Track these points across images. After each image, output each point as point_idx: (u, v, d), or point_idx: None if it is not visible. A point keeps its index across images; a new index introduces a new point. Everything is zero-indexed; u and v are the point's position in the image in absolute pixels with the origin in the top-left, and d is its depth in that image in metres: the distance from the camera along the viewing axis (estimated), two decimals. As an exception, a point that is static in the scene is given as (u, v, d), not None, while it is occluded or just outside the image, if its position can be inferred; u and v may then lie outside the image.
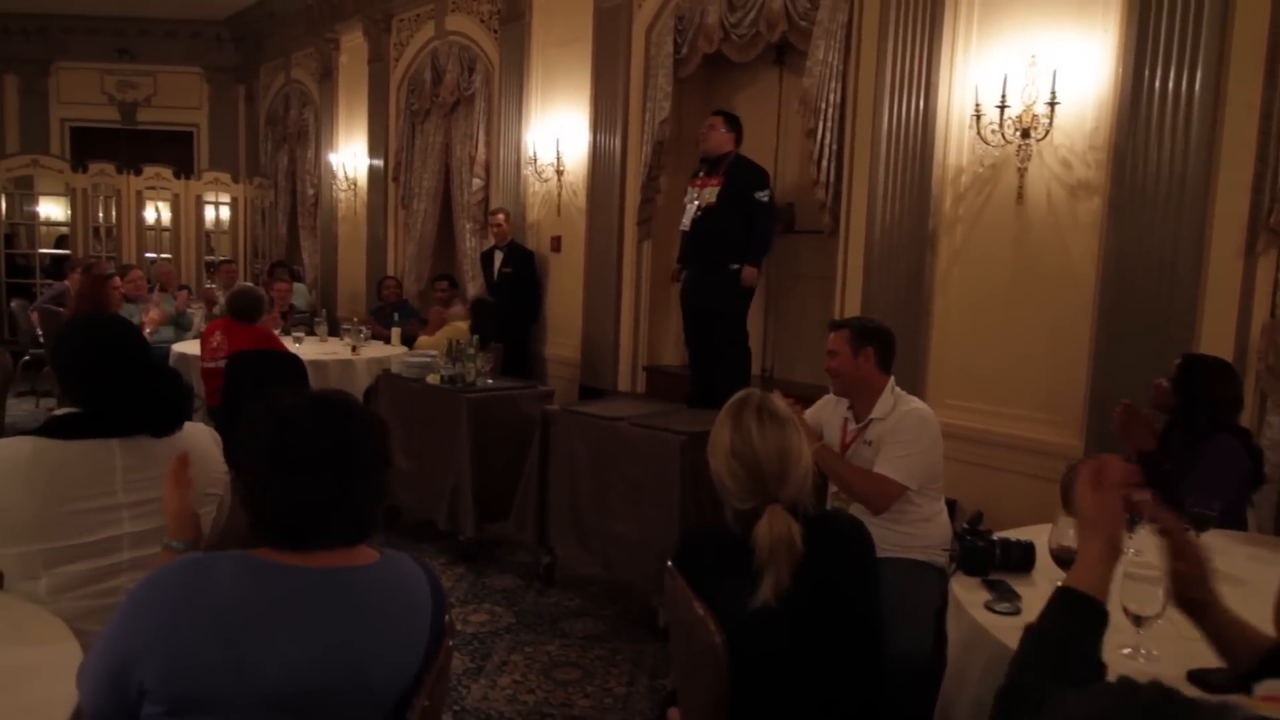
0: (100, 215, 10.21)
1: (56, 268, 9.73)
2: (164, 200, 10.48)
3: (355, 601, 1.33)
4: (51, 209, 10.71)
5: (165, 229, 10.59)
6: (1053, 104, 3.77)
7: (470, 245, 7.76)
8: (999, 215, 4.06)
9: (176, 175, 10.37)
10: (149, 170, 10.21)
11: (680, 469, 3.46)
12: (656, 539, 3.51)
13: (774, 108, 5.79)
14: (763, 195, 4.95)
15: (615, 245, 6.24)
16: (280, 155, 10.89)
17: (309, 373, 5.14)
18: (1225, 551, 2.27)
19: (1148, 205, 3.54)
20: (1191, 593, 1.46)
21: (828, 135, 4.77)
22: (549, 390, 4.96)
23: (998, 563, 2.07)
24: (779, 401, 1.88)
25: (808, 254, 5.60)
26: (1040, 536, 2.12)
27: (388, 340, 6.55)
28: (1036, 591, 1.98)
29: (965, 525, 2.14)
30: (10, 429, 4.78)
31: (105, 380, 1.86)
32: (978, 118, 4.00)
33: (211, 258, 10.46)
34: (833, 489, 2.92)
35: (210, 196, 10.64)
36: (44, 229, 10.64)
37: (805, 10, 4.88)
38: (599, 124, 6.34)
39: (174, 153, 11.25)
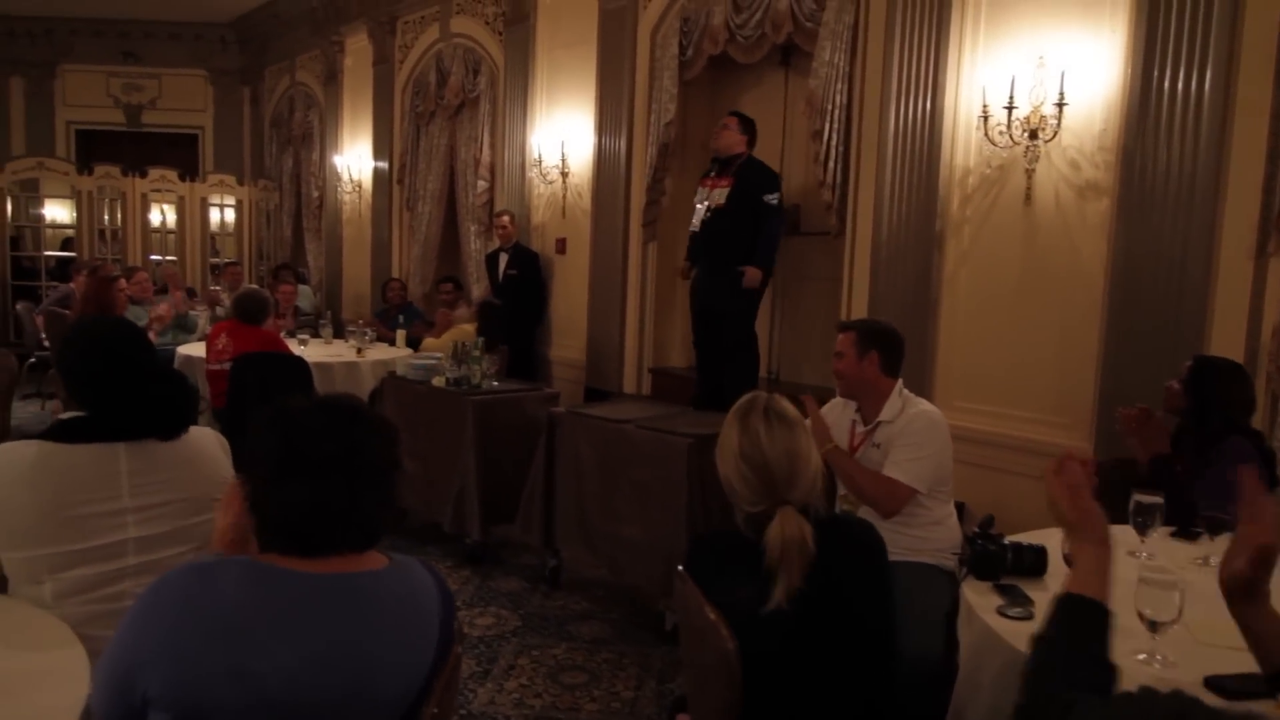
0: (105, 218, 10.24)
1: (62, 270, 9.75)
2: (169, 203, 10.50)
3: (363, 608, 1.32)
4: (57, 211, 10.74)
5: (170, 231, 10.61)
6: (1061, 105, 3.75)
7: (475, 247, 7.76)
8: (1007, 217, 4.04)
9: (181, 178, 10.39)
10: (154, 173, 10.23)
11: (687, 471, 3.44)
12: (663, 542, 3.50)
13: (779, 109, 5.78)
14: (772, 198, 4.93)
15: (620, 247, 6.23)
16: (285, 157, 10.90)
17: (314, 375, 5.13)
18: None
19: (1157, 206, 3.52)
20: (1254, 573, 1.35)
21: (834, 137, 4.75)
22: (554, 393, 4.94)
23: (1009, 567, 2.05)
24: (786, 403, 1.87)
25: (814, 256, 5.58)
26: (1052, 540, 2.09)
27: (393, 342, 6.55)
28: (1049, 596, 1.94)
29: (976, 529, 2.12)
30: (15, 431, 4.78)
31: (111, 384, 1.85)
32: (985, 119, 3.98)
33: (217, 260, 10.48)
34: (841, 492, 2.90)
35: (215, 199, 10.67)
36: (49, 231, 10.66)
37: (811, 11, 4.86)
38: (604, 126, 6.33)
39: (179, 155, 11.27)
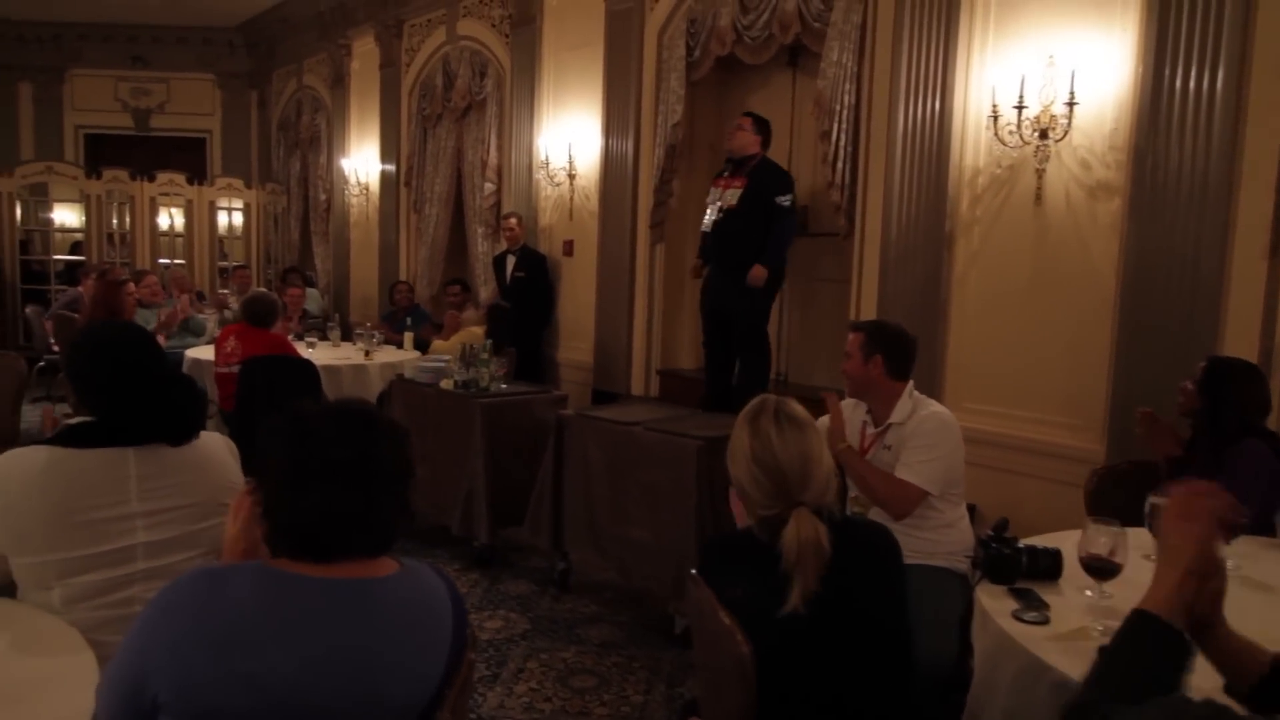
0: (114, 221, 10.27)
1: (71, 274, 9.77)
2: (177, 206, 10.53)
3: (374, 613, 1.31)
4: (66, 215, 10.78)
5: (179, 235, 10.65)
6: (1071, 104, 3.73)
7: (482, 250, 7.76)
8: (1017, 217, 4.01)
9: (190, 181, 10.42)
10: (162, 176, 10.27)
11: (696, 474, 3.43)
12: (672, 544, 3.49)
13: (787, 110, 5.76)
14: (784, 200, 4.90)
15: (628, 249, 6.22)
16: (292, 161, 10.93)
17: (322, 378, 5.14)
18: (1255, 558, 2.24)
19: (1169, 206, 3.49)
20: (1204, 609, 1.34)
21: (842, 137, 4.74)
22: (563, 395, 4.94)
23: (1024, 571, 2.03)
24: (796, 405, 1.86)
25: (823, 257, 5.56)
26: (1066, 543, 2.08)
27: (400, 345, 6.55)
28: (1064, 600, 1.95)
29: (990, 532, 2.10)
30: (25, 435, 4.79)
31: (120, 390, 1.84)
32: (995, 119, 3.96)
33: (225, 263, 10.51)
34: (851, 494, 2.89)
35: (223, 202, 10.70)
36: (59, 235, 10.70)
37: (819, 12, 4.85)
38: (611, 127, 6.32)
39: (187, 159, 11.32)
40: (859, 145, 4.70)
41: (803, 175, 5.66)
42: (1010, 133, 3.92)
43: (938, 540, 2.72)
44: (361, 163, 9.36)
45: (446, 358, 4.92)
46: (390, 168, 8.88)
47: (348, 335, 7.03)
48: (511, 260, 6.88)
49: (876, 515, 2.71)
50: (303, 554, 1.31)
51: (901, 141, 4.37)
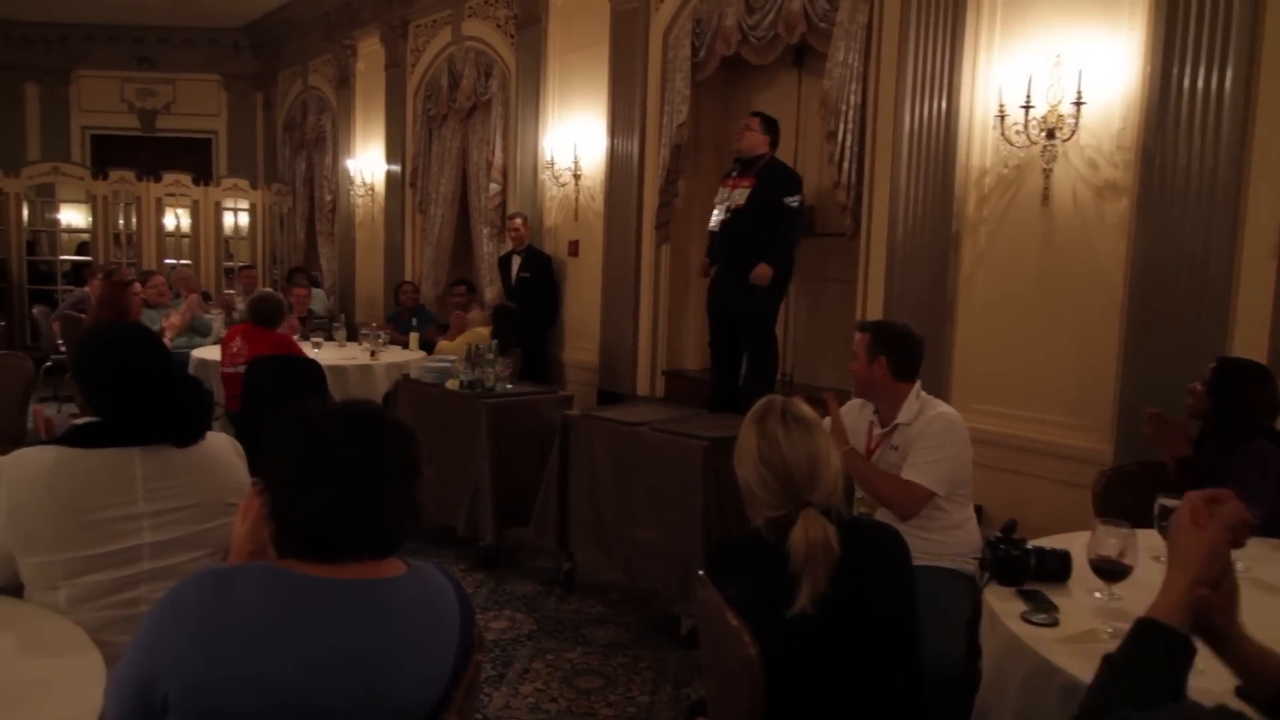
0: (121, 222, 10.31)
1: (77, 274, 9.81)
2: (183, 207, 10.57)
3: (382, 614, 1.31)
4: (72, 216, 10.82)
5: (185, 235, 10.68)
6: (1078, 104, 3.72)
7: (488, 250, 7.76)
8: (1024, 217, 4.00)
9: (196, 182, 10.45)
10: (168, 177, 10.31)
11: (702, 474, 3.42)
12: (678, 545, 3.48)
13: (793, 110, 5.75)
14: (792, 200, 4.89)
15: (633, 249, 6.21)
16: (298, 161, 10.94)
17: (328, 378, 5.14)
18: (1266, 560, 2.23)
19: (1177, 206, 3.48)
20: (1219, 620, 1.33)
21: (848, 137, 4.73)
22: (568, 395, 4.93)
23: (1033, 572, 2.01)
24: (803, 405, 1.85)
25: (829, 257, 5.55)
26: (1074, 545, 2.07)
27: (406, 345, 6.56)
28: (1073, 602, 1.94)
29: (999, 533, 2.09)
30: (31, 435, 4.80)
31: (126, 390, 1.84)
32: (1001, 118, 3.95)
33: (231, 264, 10.54)
34: (859, 494, 2.88)
35: (229, 203, 10.73)
36: (65, 236, 10.74)
37: (824, 12, 4.84)
38: (616, 128, 6.32)
39: (193, 160, 11.35)
40: (865, 145, 4.69)
41: (809, 175, 5.64)
42: (1017, 132, 3.91)
43: (945, 541, 2.71)
44: (367, 163, 9.37)
45: (452, 358, 4.92)
46: (395, 168, 8.89)
47: (353, 335, 7.04)
48: (517, 260, 6.88)
49: (883, 516, 2.70)
50: (310, 554, 1.31)
51: (908, 141, 4.36)
